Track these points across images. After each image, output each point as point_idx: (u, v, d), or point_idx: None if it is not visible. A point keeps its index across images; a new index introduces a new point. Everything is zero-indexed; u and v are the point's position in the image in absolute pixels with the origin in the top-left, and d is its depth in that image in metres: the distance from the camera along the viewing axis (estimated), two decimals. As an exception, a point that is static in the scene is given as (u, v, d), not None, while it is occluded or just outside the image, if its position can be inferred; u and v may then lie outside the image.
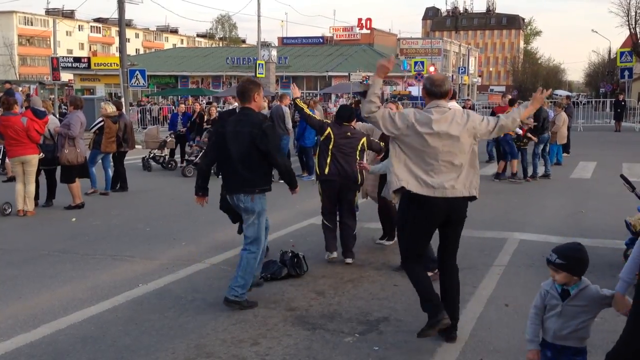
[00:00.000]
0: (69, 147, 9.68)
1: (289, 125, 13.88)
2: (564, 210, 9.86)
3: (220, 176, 5.59)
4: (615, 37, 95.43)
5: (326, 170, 6.67)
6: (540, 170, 13.63)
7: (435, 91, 4.43)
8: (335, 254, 6.72)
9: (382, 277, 6.16)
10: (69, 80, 61.40)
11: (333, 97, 45.58)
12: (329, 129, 6.74)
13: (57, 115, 16.96)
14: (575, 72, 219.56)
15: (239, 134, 5.16)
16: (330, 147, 6.69)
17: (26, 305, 5.33)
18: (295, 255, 6.17)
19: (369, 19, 69.02)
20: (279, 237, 7.86)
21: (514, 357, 4.27)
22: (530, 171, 13.33)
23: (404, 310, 5.20)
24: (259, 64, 33.24)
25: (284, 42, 73.02)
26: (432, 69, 41.49)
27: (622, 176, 6.58)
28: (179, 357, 4.28)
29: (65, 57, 52.96)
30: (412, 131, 4.36)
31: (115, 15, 24.24)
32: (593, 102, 38.08)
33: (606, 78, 70.51)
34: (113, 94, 49.26)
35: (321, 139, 6.82)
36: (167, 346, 4.44)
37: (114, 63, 35.11)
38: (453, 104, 11.73)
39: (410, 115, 4.41)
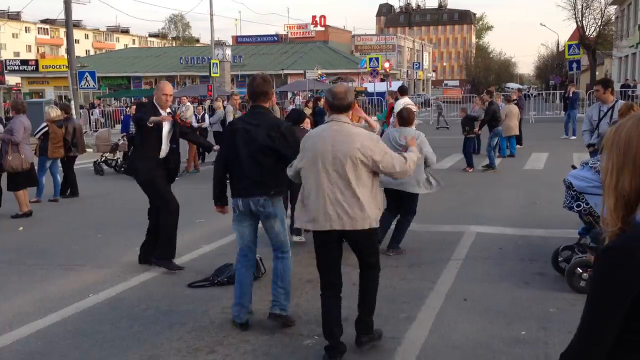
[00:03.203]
0: (12, 154, 9.31)
1: None
2: (518, 201, 9.99)
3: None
4: (563, 30, 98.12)
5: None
6: (485, 161, 13.89)
7: (337, 105, 4.15)
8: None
9: (340, 276, 6.08)
10: (17, 83, 59.56)
11: (289, 94, 45.41)
12: None
13: (4, 120, 16.37)
14: (526, 65, 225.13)
15: (252, 133, 4.72)
16: None
17: (-32, 322, 5.06)
18: (251, 258, 6.03)
19: (323, 17, 69.01)
20: (235, 238, 7.70)
21: (473, 352, 4.26)
22: (484, 162, 13.70)
23: (363, 309, 5.12)
24: (214, 64, 32.80)
25: (239, 40, 72.42)
26: (386, 64, 41.78)
27: (573, 167, 6.68)
28: (132, 369, 4.12)
29: (12, 60, 51.40)
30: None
31: (63, 16, 23.54)
32: (543, 94, 38.94)
33: (555, 70, 72.31)
34: (63, 97, 48.01)
35: None
36: (120, 358, 4.27)
37: (63, 65, 34.25)
38: (405, 100, 11.90)
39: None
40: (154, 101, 6.53)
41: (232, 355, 4.29)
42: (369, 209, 4.07)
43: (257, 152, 4.73)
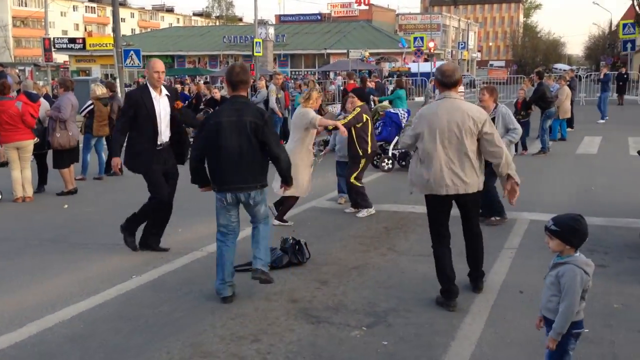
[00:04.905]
0: (60, 131, 9.34)
1: (273, 105, 13.74)
2: (572, 187, 9.55)
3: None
4: (616, 9, 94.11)
5: (369, 149, 7.82)
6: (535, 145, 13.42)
7: (445, 82, 4.54)
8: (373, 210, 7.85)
9: (388, 264, 5.86)
10: (64, 61, 60.73)
11: (332, 74, 45.00)
12: (365, 116, 7.77)
13: (51, 98, 16.56)
14: (575, 45, 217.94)
15: (239, 125, 4.71)
16: (370, 129, 7.81)
17: (13, 301, 5.02)
18: (296, 242, 5.86)
19: (367, -5, 68.08)
20: (279, 222, 7.54)
21: (534, 350, 3.96)
22: (537, 147, 13.23)
23: (412, 299, 4.90)
24: (256, 42, 32.56)
25: (282, 19, 72.15)
26: (431, 44, 40.89)
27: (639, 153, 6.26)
28: (174, 357, 3.98)
29: (60, 38, 52.27)
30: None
31: (108, -6, 23.68)
32: (593, 76, 37.49)
33: (607, 51, 69.74)
34: (109, 75, 48.70)
35: (358, 126, 7.68)
36: (161, 345, 4.14)
37: (109, 43, 34.54)
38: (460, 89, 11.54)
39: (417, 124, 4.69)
40: (147, 81, 6.15)
41: (276, 345, 4.12)
42: (480, 174, 4.63)
43: (246, 144, 4.71)
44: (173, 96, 6.25)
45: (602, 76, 22.28)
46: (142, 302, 4.96)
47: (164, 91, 6.14)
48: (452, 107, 4.51)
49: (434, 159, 4.50)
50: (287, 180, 5.08)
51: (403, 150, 11.24)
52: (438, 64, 41.69)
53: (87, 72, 53.89)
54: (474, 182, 4.59)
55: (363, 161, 7.84)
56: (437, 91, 12.85)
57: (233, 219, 4.97)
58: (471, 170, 4.55)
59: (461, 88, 11.82)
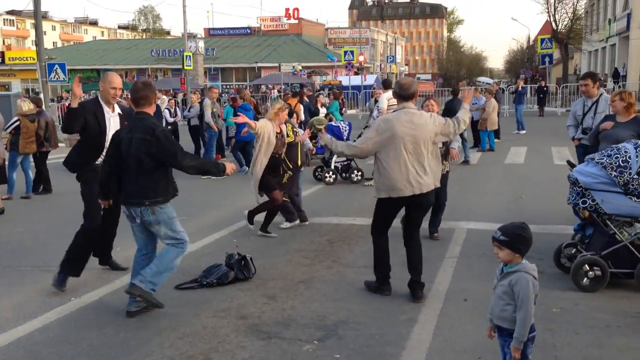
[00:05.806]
0: (-16, 149, 8.89)
1: (208, 119, 13.61)
2: (504, 196, 9.91)
3: None
4: (533, 25, 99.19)
5: (300, 161, 8.03)
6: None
7: (403, 94, 5.04)
8: (298, 221, 7.96)
9: (334, 276, 5.89)
10: (-19, 76, 57.92)
11: (264, 88, 44.96)
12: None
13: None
14: (496, 59, 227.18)
15: (129, 141, 4.72)
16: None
17: (-59, 330, 4.72)
18: (242, 258, 5.80)
19: (297, 9, 68.50)
20: (220, 237, 7.47)
21: (481, 355, 4.09)
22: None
23: (361, 311, 4.94)
24: (187, 56, 32.14)
25: (211, 33, 71.52)
26: (361, 58, 41.65)
27: (568, 162, 6.58)
28: (123, 380, 3.86)
29: (-24, 51, 49.81)
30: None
31: (30, 7, 22.76)
32: (512, 88, 39.15)
33: (526, 65, 72.98)
34: (30, 90, 46.85)
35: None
36: (109, 369, 4.00)
37: (31, 57, 33.19)
38: (389, 94, 11.78)
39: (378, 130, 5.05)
40: (99, 97, 5.72)
41: (229, 363, 4.06)
42: (437, 174, 5.15)
43: (132, 160, 4.71)
44: (125, 117, 5.78)
45: (520, 88, 23.31)
46: (85, 324, 4.77)
47: (117, 109, 5.77)
48: (412, 117, 4.98)
49: (400, 165, 4.92)
50: (212, 174, 5.20)
51: (345, 163, 11.38)
52: (368, 77, 42.57)
53: (7, 86, 51.52)
54: (431, 181, 5.05)
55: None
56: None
57: (137, 233, 4.99)
58: (430, 170, 5.02)
59: (393, 100, 12.16)
